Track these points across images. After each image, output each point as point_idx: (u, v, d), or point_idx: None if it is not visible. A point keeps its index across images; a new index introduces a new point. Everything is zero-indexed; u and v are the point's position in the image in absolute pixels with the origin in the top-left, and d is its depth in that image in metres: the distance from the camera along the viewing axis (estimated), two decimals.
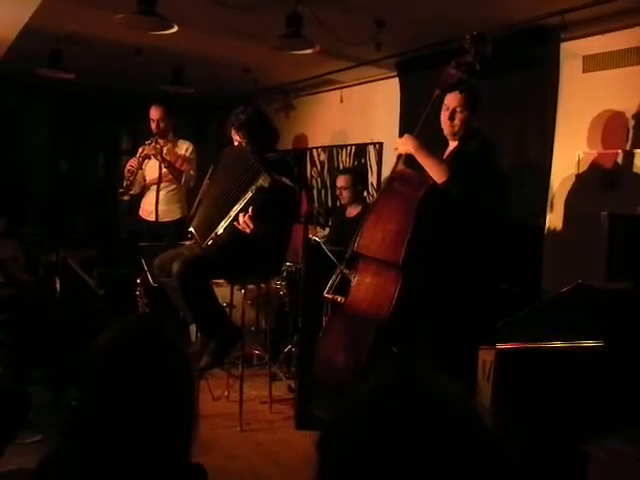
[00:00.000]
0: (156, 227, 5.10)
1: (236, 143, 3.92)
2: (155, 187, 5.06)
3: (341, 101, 6.67)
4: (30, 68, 5.72)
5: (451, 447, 0.81)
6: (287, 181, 3.71)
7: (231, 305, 4.28)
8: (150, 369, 1.24)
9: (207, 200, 3.89)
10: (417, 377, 0.89)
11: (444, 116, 3.53)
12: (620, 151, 4.03)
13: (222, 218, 3.66)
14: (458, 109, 3.48)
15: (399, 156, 3.55)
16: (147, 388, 1.21)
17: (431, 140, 3.71)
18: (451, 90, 3.51)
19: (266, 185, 3.56)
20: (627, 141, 4.00)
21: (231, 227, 3.63)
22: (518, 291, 4.01)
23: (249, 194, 3.59)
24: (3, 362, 3.08)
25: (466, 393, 0.91)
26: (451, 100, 3.50)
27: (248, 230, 3.57)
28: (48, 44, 5.35)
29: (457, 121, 3.50)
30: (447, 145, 3.65)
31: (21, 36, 5.11)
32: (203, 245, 3.69)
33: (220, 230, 3.66)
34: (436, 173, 3.31)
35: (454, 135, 3.55)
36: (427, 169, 3.35)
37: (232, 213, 3.63)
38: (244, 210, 3.60)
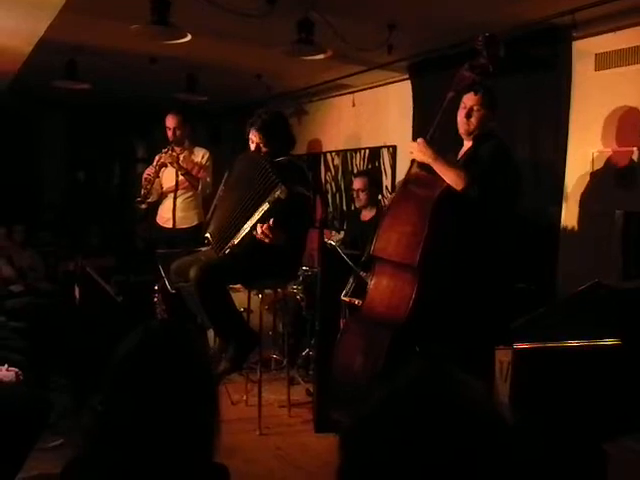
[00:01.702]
0: (173, 234, 5.14)
1: (251, 144, 3.93)
2: (172, 194, 5.11)
3: (353, 105, 6.69)
4: (46, 80, 5.80)
5: (475, 447, 0.82)
6: (303, 191, 3.73)
7: (248, 310, 4.30)
8: (174, 373, 1.26)
9: (223, 207, 3.91)
10: (440, 377, 0.91)
11: (461, 115, 3.54)
12: (635, 148, 4.01)
13: (239, 228, 3.69)
14: (475, 107, 3.50)
15: (413, 159, 3.56)
16: (172, 391, 1.24)
17: (445, 142, 3.72)
18: (466, 92, 3.52)
19: (283, 197, 3.58)
20: None
21: (248, 237, 3.66)
22: (534, 290, 4.01)
23: (266, 205, 3.60)
24: (24, 369, 3.12)
25: (488, 392, 0.92)
26: (469, 99, 3.52)
27: (267, 240, 3.59)
28: (64, 56, 5.43)
29: (473, 119, 3.51)
30: (461, 146, 3.66)
31: (37, 49, 5.18)
32: (220, 254, 3.72)
33: (237, 240, 3.68)
34: (455, 181, 3.31)
35: (469, 134, 3.55)
36: (445, 178, 3.34)
37: (249, 224, 3.65)
38: (262, 221, 3.62)
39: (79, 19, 4.43)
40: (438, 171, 3.37)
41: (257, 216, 3.63)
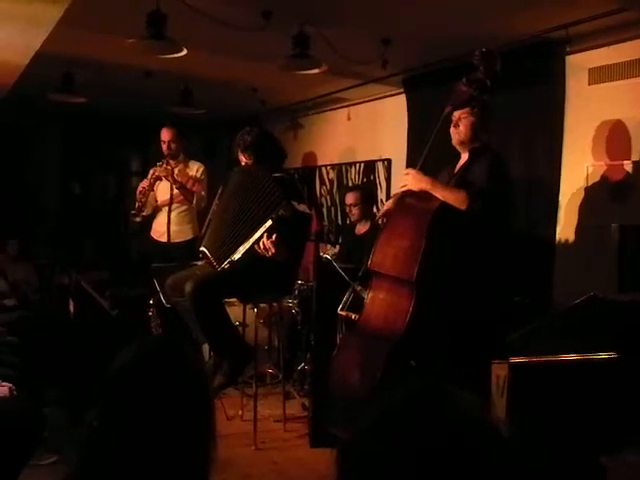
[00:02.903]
0: (168, 248, 5.13)
1: (243, 164, 3.95)
2: (167, 208, 5.10)
3: (349, 119, 6.71)
4: (42, 93, 5.81)
5: (471, 460, 0.82)
6: (305, 208, 3.72)
7: (244, 324, 4.28)
8: (169, 388, 1.25)
9: (219, 222, 3.89)
10: (436, 392, 0.90)
11: (452, 126, 3.56)
12: (629, 162, 4.03)
13: (239, 243, 3.66)
14: (463, 116, 3.51)
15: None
16: (167, 407, 1.23)
17: (442, 156, 3.72)
18: (462, 107, 3.53)
19: (288, 214, 3.57)
20: (635, 152, 4.00)
21: (249, 252, 3.64)
22: (529, 303, 4.00)
23: (269, 222, 3.58)
24: (18, 384, 3.09)
25: (484, 408, 0.92)
26: (459, 113, 3.54)
27: (269, 254, 3.58)
28: (60, 69, 5.44)
29: (462, 127, 3.52)
30: (458, 160, 3.67)
31: (33, 62, 5.19)
32: (219, 269, 3.69)
33: (237, 255, 3.66)
34: (458, 202, 3.29)
35: (462, 143, 3.56)
36: (446, 200, 3.32)
37: (251, 240, 3.63)
38: (264, 237, 3.60)
39: (75, 33, 4.44)
40: (439, 195, 3.35)
41: (260, 232, 3.61)
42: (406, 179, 3.52)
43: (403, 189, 3.53)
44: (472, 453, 0.83)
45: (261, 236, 3.60)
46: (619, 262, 3.27)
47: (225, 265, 3.68)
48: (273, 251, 3.56)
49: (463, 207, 3.27)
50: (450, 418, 0.85)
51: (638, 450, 2.55)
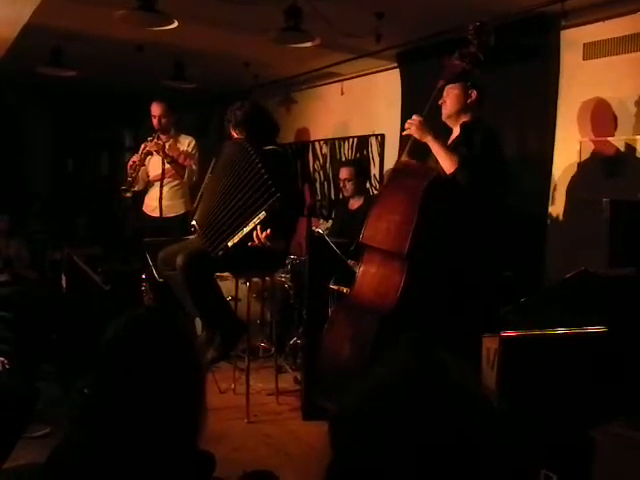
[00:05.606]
0: (160, 222, 5.11)
1: (235, 138, 3.91)
2: (159, 183, 5.08)
3: (342, 93, 6.66)
4: (31, 66, 5.74)
5: (466, 432, 0.82)
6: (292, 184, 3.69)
7: (236, 298, 4.29)
8: (161, 359, 1.25)
9: (212, 198, 3.83)
10: (427, 361, 0.90)
11: (441, 102, 3.59)
12: (622, 138, 4.03)
13: (232, 231, 3.60)
14: (449, 90, 3.54)
15: (403, 145, 3.56)
16: (158, 377, 1.23)
17: (435, 130, 3.72)
18: (455, 81, 3.52)
19: (281, 207, 3.52)
20: (629, 127, 4.00)
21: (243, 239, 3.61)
22: (521, 278, 4.02)
23: (263, 214, 3.51)
24: (11, 358, 3.10)
25: (476, 377, 0.92)
26: (446, 88, 3.57)
27: (265, 247, 3.55)
28: (49, 42, 5.37)
29: (448, 101, 3.56)
30: (450, 134, 3.67)
31: (22, 35, 5.12)
32: (213, 254, 3.66)
33: (231, 243, 3.62)
34: (447, 162, 3.36)
35: (449, 117, 3.59)
36: (439, 157, 3.39)
37: (245, 230, 3.57)
38: (256, 229, 3.56)
39: (64, 5, 4.38)
40: (434, 150, 3.41)
41: (254, 223, 3.56)
42: (411, 124, 3.53)
43: (406, 132, 3.57)
44: (464, 424, 0.83)
45: (255, 227, 3.56)
46: (610, 237, 3.27)
47: (219, 252, 3.64)
48: (269, 244, 3.53)
49: (451, 170, 3.32)
50: (443, 388, 0.86)
51: (626, 423, 2.58)
